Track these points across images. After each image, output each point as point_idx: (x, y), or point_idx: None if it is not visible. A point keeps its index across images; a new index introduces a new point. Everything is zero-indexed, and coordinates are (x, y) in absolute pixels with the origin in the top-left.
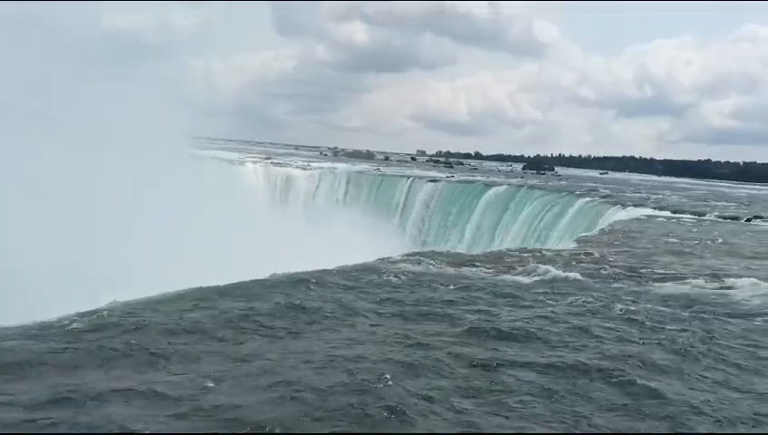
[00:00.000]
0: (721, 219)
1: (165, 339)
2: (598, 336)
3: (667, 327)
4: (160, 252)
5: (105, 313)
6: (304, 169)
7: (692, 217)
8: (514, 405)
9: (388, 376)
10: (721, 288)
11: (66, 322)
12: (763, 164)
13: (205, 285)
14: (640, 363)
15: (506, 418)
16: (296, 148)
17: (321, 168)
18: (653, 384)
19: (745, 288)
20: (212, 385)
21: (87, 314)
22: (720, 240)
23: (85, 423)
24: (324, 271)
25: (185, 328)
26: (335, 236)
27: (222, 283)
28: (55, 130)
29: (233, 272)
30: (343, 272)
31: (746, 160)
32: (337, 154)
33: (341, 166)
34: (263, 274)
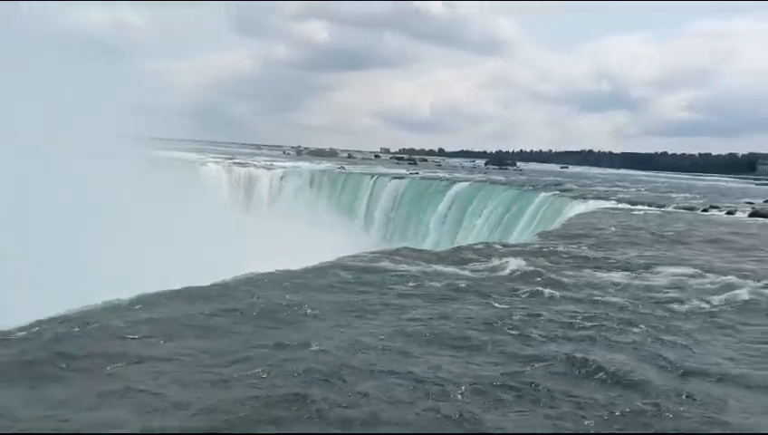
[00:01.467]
0: (679, 210)
1: (115, 344)
2: (555, 323)
3: (614, 313)
4: (117, 257)
5: (60, 320)
6: (268, 168)
7: (650, 208)
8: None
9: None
10: (673, 276)
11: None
12: (717, 155)
13: (166, 288)
14: (590, 346)
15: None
16: (259, 147)
17: (285, 167)
18: (601, 362)
19: (699, 276)
20: (160, 390)
21: (43, 322)
22: (676, 230)
23: None
24: (287, 272)
25: (139, 333)
26: (299, 235)
27: (183, 286)
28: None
29: (195, 274)
30: (306, 272)
31: (702, 152)
32: (300, 153)
33: (305, 165)
34: (226, 275)
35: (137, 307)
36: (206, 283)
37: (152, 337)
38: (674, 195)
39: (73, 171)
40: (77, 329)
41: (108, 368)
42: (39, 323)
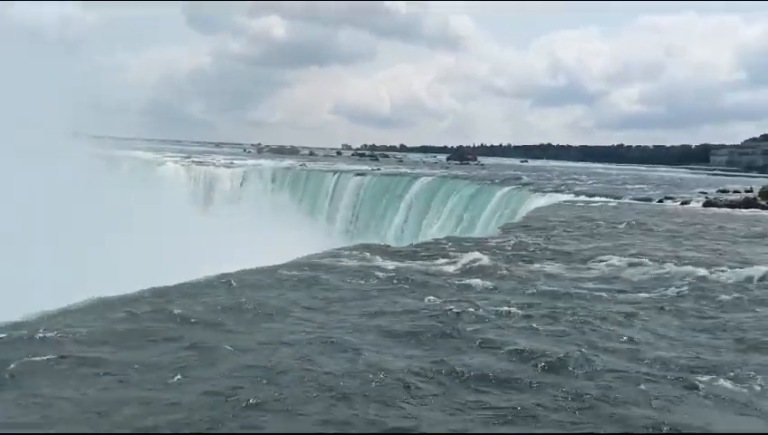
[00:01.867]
0: (635, 201)
1: (74, 349)
2: (513, 315)
3: (566, 304)
4: (72, 261)
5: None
6: (228, 167)
7: (608, 200)
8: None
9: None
10: (629, 266)
11: None
12: (671, 147)
13: (122, 292)
14: (546, 335)
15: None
16: (217, 145)
17: (246, 165)
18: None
19: (651, 265)
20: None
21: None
22: (633, 221)
23: None
24: (246, 271)
25: (97, 337)
26: (262, 234)
27: (142, 288)
28: None
29: (156, 277)
30: (267, 271)
31: (656, 144)
32: (261, 151)
33: (266, 163)
34: (189, 276)
35: (87, 312)
36: (167, 284)
37: (106, 342)
38: (630, 186)
39: (22, 172)
40: (23, 335)
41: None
42: None
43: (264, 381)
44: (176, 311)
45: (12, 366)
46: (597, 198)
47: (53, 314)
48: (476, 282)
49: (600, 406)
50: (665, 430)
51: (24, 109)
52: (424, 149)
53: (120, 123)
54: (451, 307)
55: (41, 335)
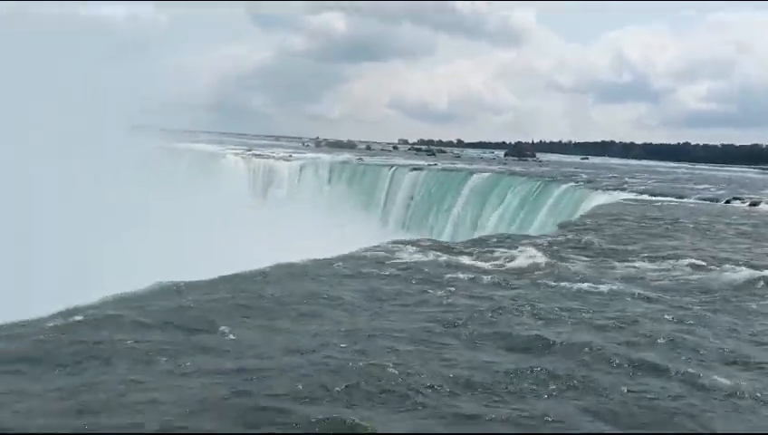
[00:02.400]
0: (700, 201)
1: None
2: (577, 315)
3: (640, 308)
4: (137, 249)
5: (89, 310)
6: (286, 160)
7: (671, 199)
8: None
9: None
10: (698, 269)
11: (43, 322)
12: (740, 146)
13: (187, 279)
14: (629, 343)
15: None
16: (276, 138)
17: (304, 158)
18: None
19: (723, 270)
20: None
21: (65, 312)
22: (697, 221)
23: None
24: (308, 262)
25: (160, 324)
26: (318, 226)
27: (204, 278)
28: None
29: (215, 266)
30: (325, 262)
31: (724, 143)
32: (319, 144)
33: (324, 156)
34: (246, 267)
35: (155, 298)
36: (227, 273)
37: (177, 327)
38: (696, 186)
39: (91, 165)
40: (94, 320)
41: (127, 358)
42: (61, 314)
43: (314, 374)
44: (234, 300)
45: (95, 346)
46: (660, 198)
47: (123, 297)
48: (532, 280)
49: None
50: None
51: (93, 103)
52: (481, 145)
53: (186, 118)
54: (506, 305)
55: (123, 316)
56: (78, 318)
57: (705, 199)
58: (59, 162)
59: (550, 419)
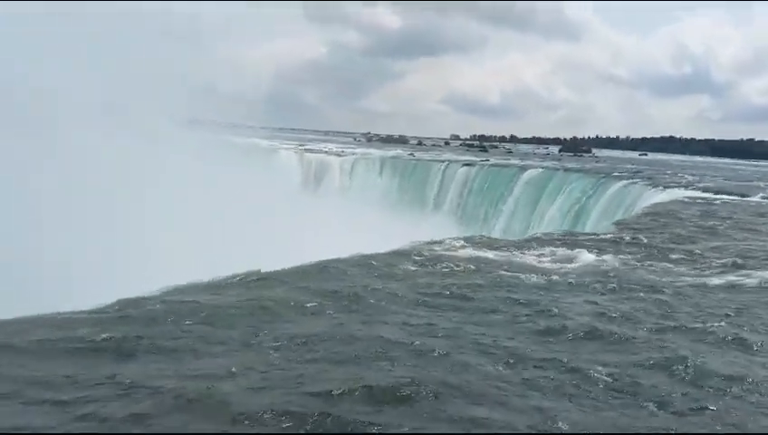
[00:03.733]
0: (765, 200)
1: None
2: (643, 320)
3: (702, 311)
4: (195, 240)
5: (149, 298)
6: (339, 155)
7: (735, 198)
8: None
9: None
10: (756, 269)
11: (106, 311)
12: None
13: (237, 271)
14: (687, 353)
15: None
16: (328, 133)
17: (355, 154)
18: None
19: None
20: (234, 373)
21: (131, 301)
22: (762, 221)
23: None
24: (364, 256)
25: (222, 314)
26: (370, 222)
27: (266, 269)
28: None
29: (272, 260)
30: (381, 256)
31: None
32: (370, 140)
33: (375, 152)
34: (302, 261)
35: (215, 290)
36: (281, 267)
37: (242, 317)
38: (762, 183)
39: (148, 154)
40: (156, 308)
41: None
42: (128, 301)
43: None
44: (287, 295)
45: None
46: (722, 196)
47: (175, 289)
48: (586, 280)
49: None
50: None
51: (151, 95)
52: (534, 141)
53: (241, 111)
54: (558, 306)
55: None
56: (182, 298)
57: None
58: (121, 149)
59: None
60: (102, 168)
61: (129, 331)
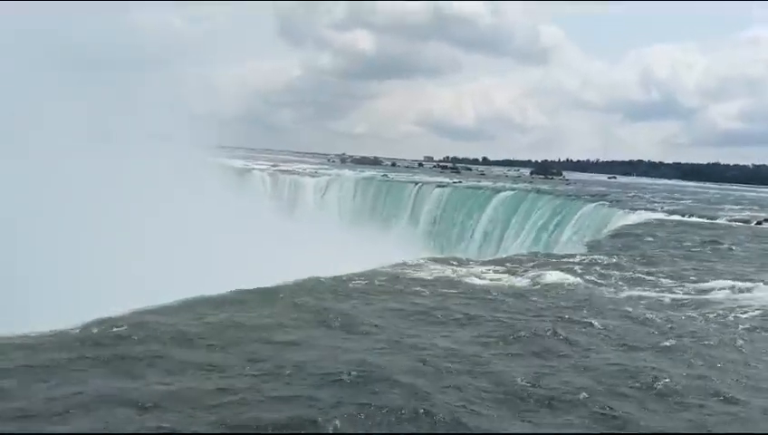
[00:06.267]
0: (732, 222)
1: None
2: (603, 338)
3: (669, 330)
4: (165, 261)
5: (118, 321)
6: (312, 176)
7: (702, 220)
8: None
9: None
10: (724, 289)
11: (78, 330)
12: None
13: (211, 293)
14: (651, 366)
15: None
16: (302, 154)
17: (329, 175)
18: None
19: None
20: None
21: (101, 321)
22: (728, 243)
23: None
24: (334, 277)
25: (196, 335)
26: (344, 243)
27: (229, 290)
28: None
29: (243, 280)
30: (352, 277)
31: (755, 163)
32: (344, 161)
33: (349, 173)
34: (272, 281)
35: (182, 311)
36: (251, 287)
37: (206, 339)
38: (726, 206)
39: (120, 171)
40: (125, 329)
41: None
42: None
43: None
44: (258, 315)
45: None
46: (689, 218)
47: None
48: (557, 300)
49: None
50: None
51: (122, 114)
52: (507, 163)
53: (212, 132)
54: (532, 325)
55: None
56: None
57: (737, 220)
58: (92, 163)
59: None
60: (73, 189)
61: (91, 351)
